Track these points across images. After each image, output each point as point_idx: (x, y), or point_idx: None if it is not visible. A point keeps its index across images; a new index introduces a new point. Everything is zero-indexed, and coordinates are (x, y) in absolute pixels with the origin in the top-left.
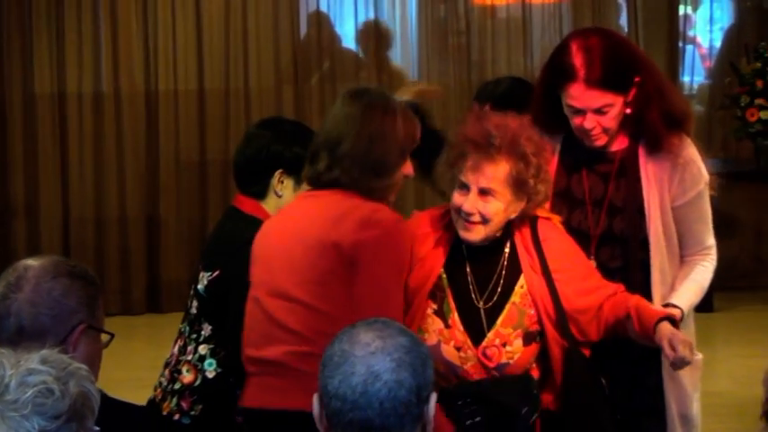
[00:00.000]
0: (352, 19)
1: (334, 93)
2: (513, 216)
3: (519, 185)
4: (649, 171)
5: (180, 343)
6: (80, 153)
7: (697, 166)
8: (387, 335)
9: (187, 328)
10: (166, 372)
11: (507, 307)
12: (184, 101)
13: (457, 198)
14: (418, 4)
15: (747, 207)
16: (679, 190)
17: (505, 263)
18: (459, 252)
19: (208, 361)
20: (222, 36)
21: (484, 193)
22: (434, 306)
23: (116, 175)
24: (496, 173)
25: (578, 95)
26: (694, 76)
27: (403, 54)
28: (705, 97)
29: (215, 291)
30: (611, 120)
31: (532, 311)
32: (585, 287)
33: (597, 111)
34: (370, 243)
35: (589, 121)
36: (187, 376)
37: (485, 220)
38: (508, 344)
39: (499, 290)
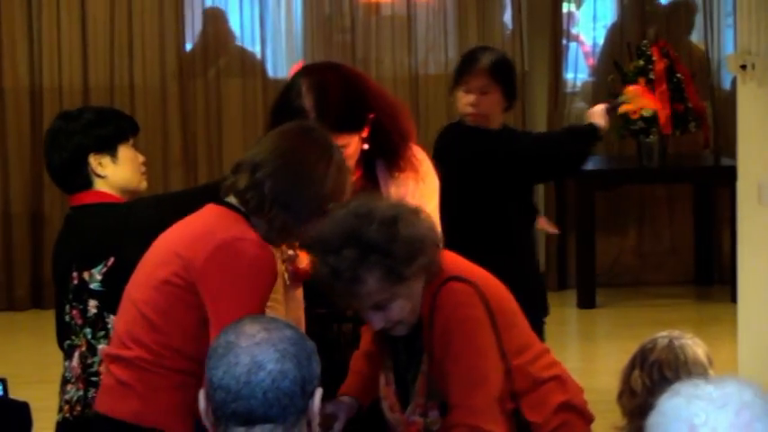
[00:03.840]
0: (238, 15)
1: (219, 90)
2: (422, 289)
3: (401, 282)
4: (393, 189)
5: (82, 349)
6: None
7: (433, 175)
8: (273, 327)
9: (89, 331)
10: (69, 387)
11: (419, 376)
12: (69, 97)
13: (363, 316)
14: (303, 2)
15: (630, 204)
16: (421, 202)
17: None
18: None
19: None
20: (107, 32)
21: (377, 307)
22: (383, 358)
23: (0, 170)
24: (371, 288)
25: None
26: (578, 73)
27: (288, 51)
28: (588, 95)
29: (115, 279)
30: (347, 159)
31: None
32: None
33: None
34: (218, 272)
35: None
36: None
37: (399, 322)
38: (427, 415)
39: (416, 357)
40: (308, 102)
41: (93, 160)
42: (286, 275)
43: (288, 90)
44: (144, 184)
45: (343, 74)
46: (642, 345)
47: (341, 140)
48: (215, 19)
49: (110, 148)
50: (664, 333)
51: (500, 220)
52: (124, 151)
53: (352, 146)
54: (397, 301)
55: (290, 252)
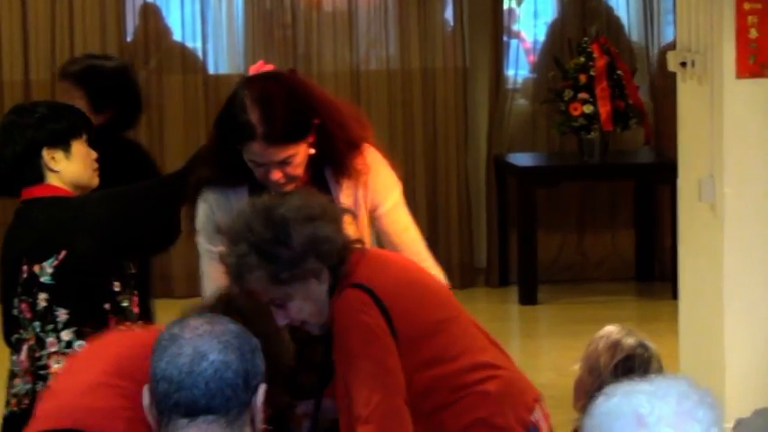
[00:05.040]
0: (179, 11)
1: (160, 85)
2: (326, 290)
3: (280, 284)
4: (341, 195)
5: (30, 343)
6: None
7: (387, 173)
8: (216, 321)
9: (38, 324)
10: (17, 380)
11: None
12: (9, 92)
13: None
14: None
15: (571, 200)
16: (377, 200)
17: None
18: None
19: (77, 342)
20: (48, 26)
21: (275, 305)
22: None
23: None
24: (254, 286)
25: (260, 152)
26: (518, 70)
27: (229, 47)
28: (529, 91)
29: (67, 272)
30: (296, 167)
31: None
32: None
33: (281, 162)
34: None
35: (274, 174)
36: (59, 366)
37: (305, 323)
38: None
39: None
40: (253, 116)
41: (47, 154)
42: None
43: (231, 104)
44: (95, 181)
45: (286, 83)
46: (610, 341)
47: (290, 151)
48: (153, 14)
49: (63, 143)
50: (615, 328)
51: None
52: (77, 147)
53: (301, 154)
54: (294, 302)
55: None
